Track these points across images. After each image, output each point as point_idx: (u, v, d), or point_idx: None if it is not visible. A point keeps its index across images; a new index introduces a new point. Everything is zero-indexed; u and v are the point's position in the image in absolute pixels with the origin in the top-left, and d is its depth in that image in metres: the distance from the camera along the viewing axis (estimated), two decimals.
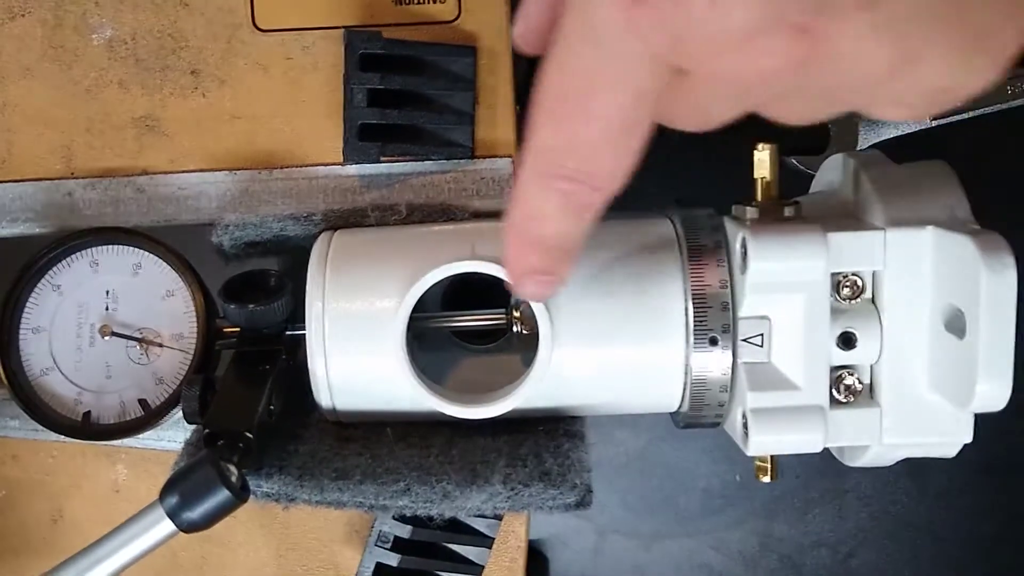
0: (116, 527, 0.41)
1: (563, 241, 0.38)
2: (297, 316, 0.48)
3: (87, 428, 0.47)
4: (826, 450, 0.47)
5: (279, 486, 0.44)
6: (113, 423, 0.47)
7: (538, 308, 0.44)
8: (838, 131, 0.73)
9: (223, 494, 0.40)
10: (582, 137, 0.33)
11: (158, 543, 0.41)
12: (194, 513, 0.40)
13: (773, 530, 0.78)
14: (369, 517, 0.52)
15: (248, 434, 0.42)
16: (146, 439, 0.52)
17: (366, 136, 0.48)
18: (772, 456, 0.47)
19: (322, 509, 0.52)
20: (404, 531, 0.50)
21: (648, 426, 0.75)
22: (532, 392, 0.45)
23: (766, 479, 0.47)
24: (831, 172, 0.50)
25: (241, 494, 0.41)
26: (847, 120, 0.73)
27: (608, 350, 0.46)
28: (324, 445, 0.47)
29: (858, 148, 0.73)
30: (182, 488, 0.40)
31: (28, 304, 0.48)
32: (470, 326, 0.49)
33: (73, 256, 0.48)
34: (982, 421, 0.43)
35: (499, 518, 0.51)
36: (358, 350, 0.46)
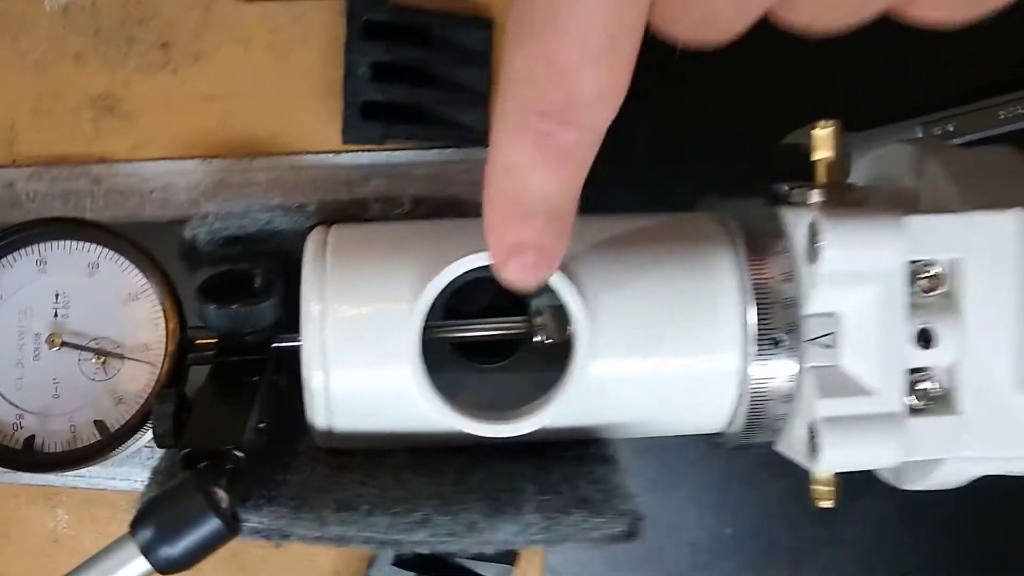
0: (74, 568, 0.33)
1: (547, 203, 0.31)
2: (283, 327, 0.41)
3: (30, 457, 0.39)
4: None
5: (270, 519, 0.37)
6: (62, 451, 0.39)
7: (575, 307, 0.38)
8: None
9: (212, 524, 0.32)
10: (556, 58, 0.27)
11: None
12: (175, 548, 0.32)
13: None
14: (360, 567, 0.45)
15: (237, 453, 0.35)
16: (95, 477, 0.44)
17: (368, 114, 0.42)
18: (836, 476, 0.41)
19: (303, 557, 0.45)
20: None
21: (632, 477, 0.69)
22: (565, 407, 0.39)
23: (828, 504, 0.42)
24: (881, 165, 0.45)
25: (233, 524, 0.33)
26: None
27: (653, 357, 0.39)
28: (318, 474, 0.39)
29: (849, 178, 0.69)
30: (160, 517, 0.32)
31: None
32: (482, 336, 0.43)
33: (15, 253, 0.40)
34: None
35: (512, 562, 0.44)
36: (364, 360, 0.39)
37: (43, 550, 0.44)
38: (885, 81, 0.71)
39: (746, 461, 0.71)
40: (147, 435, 0.40)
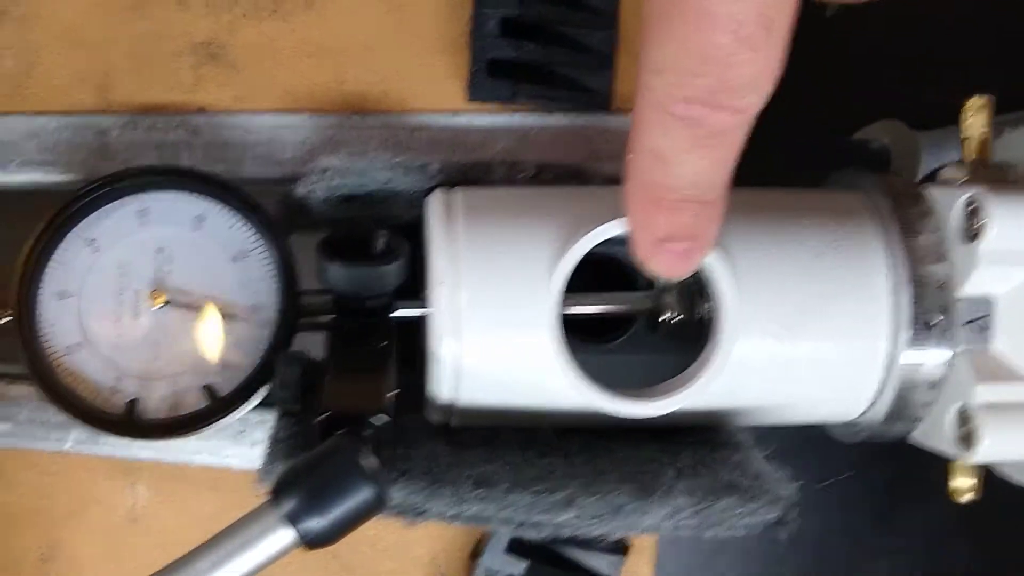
0: (210, 538, 0.30)
1: (699, 188, 0.30)
2: (400, 294, 0.38)
3: (133, 422, 0.36)
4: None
5: (405, 495, 0.34)
6: (164, 417, 0.36)
7: (725, 281, 0.36)
8: (897, 154, 0.68)
9: (365, 492, 0.29)
10: (708, 47, 0.25)
11: (266, 563, 0.30)
12: (324, 519, 0.29)
13: None
14: (460, 556, 0.42)
15: (383, 417, 0.32)
16: (180, 451, 0.40)
17: (497, 73, 0.39)
18: (979, 468, 0.39)
19: (398, 547, 0.42)
20: (518, 568, 0.40)
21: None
22: (705, 388, 0.36)
23: (970, 498, 0.40)
24: (1014, 150, 0.44)
25: (385, 493, 0.30)
26: (908, 142, 0.69)
27: (799, 338, 0.37)
28: (440, 449, 0.37)
29: (919, 173, 0.68)
30: (309, 483, 0.29)
31: (52, 261, 0.37)
32: (603, 312, 0.41)
33: (114, 203, 0.37)
34: None
35: (624, 552, 0.42)
36: (500, 327, 0.36)
37: (119, 529, 0.41)
38: (955, 79, 0.70)
39: (804, 467, 0.70)
40: (250, 405, 0.37)
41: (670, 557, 0.67)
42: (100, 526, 0.41)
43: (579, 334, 0.42)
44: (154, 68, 0.40)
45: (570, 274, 0.36)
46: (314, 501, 0.29)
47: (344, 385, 0.33)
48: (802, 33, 0.28)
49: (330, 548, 0.42)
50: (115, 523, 0.41)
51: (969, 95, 0.45)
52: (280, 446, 0.34)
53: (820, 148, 0.68)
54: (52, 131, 0.40)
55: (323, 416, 0.32)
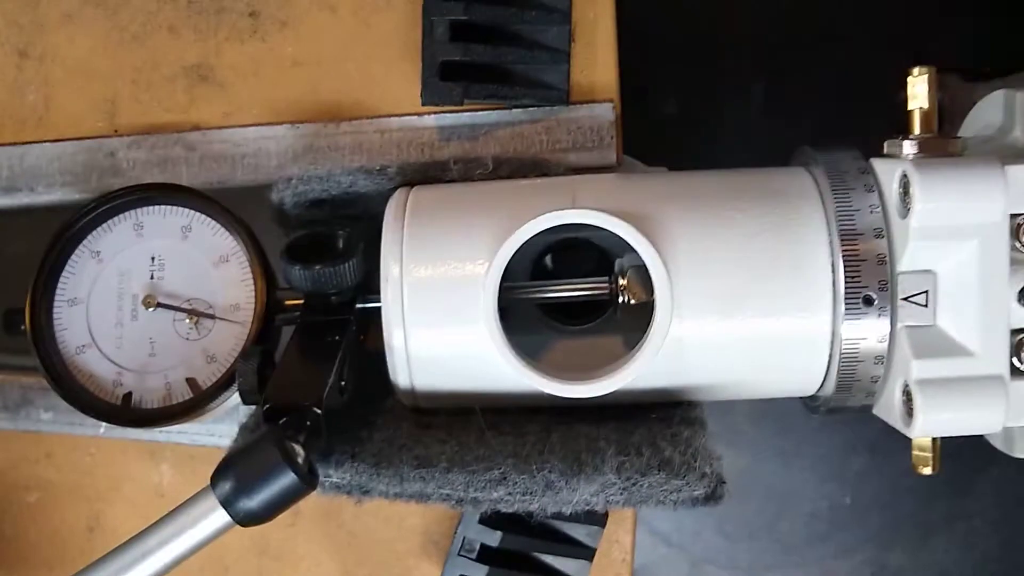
0: (159, 519, 0.34)
1: None
2: (370, 286, 0.41)
3: (127, 412, 0.41)
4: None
5: (351, 475, 0.37)
6: (157, 407, 0.41)
7: (654, 267, 0.37)
8: (953, 110, 0.66)
9: (288, 477, 0.33)
10: None
11: (209, 538, 0.34)
12: (252, 501, 0.33)
13: (889, 560, 0.70)
14: (450, 526, 0.45)
15: (316, 409, 0.35)
16: (195, 434, 0.45)
17: (448, 76, 0.42)
18: (935, 441, 0.39)
19: (395, 517, 0.46)
20: (493, 538, 0.43)
21: (748, 443, 0.68)
22: (646, 368, 0.38)
23: (927, 471, 0.40)
24: (990, 113, 0.43)
25: (309, 479, 0.34)
26: (963, 96, 0.66)
27: (738, 318, 0.38)
28: (401, 432, 0.40)
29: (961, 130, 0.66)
30: (239, 471, 0.33)
31: (64, 273, 0.42)
32: (565, 297, 0.43)
33: (115, 218, 0.42)
34: None
35: (602, 524, 0.44)
36: (442, 320, 0.39)
37: (150, 502, 0.46)
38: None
39: (871, 430, 0.69)
40: (232, 395, 0.41)
41: (732, 516, 0.68)
42: (133, 500, 0.46)
43: (567, 317, 0.44)
44: (153, 92, 0.45)
45: (503, 268, 0.38)
46: (243, 486, 0.33)
47: (288, 378, 0.37)
48: None
49: (337, 517, 0.46)
50: (146, 498, 0.46)
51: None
52: (244, 432, 0.39)
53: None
54: (70, 155, 0.45)
55: (265, 407, 0.36)
